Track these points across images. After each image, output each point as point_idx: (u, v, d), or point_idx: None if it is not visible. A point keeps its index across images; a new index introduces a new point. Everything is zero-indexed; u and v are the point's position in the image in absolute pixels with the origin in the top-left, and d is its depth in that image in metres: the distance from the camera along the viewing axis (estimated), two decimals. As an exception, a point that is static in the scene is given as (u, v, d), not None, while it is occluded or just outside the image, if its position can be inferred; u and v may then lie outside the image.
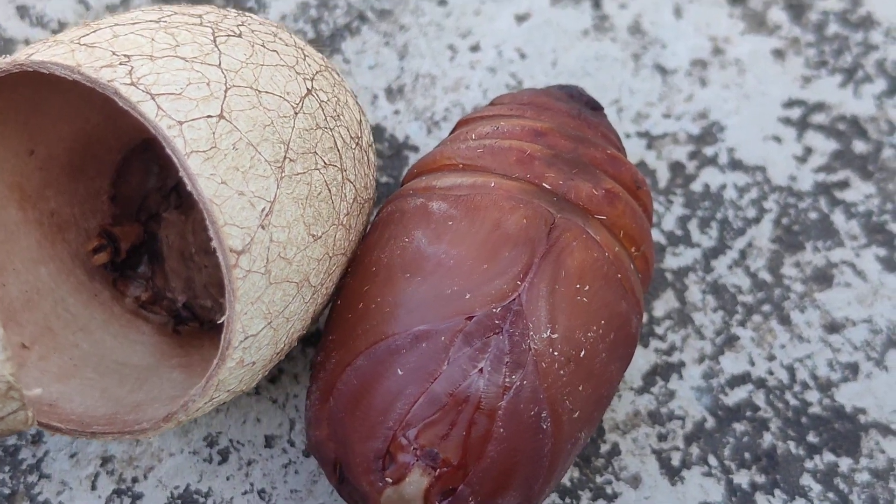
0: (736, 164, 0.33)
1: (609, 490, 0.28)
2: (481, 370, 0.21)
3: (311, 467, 0.28)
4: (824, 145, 0.33)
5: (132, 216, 0.30)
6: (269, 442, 0.29)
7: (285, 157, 0.21)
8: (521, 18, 0.34)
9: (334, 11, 0.34)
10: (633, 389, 0.30)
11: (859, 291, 0.31)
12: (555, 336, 0.22)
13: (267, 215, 0.21)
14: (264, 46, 0.23)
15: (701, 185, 0.32)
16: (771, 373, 0.30)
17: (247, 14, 0.25)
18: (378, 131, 0.33)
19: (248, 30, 0.23)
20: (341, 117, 0.24)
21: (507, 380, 0.21)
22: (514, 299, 0.22)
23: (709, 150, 0.33)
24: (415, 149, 0.33)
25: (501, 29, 0.34)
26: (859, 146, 0.33)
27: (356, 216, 0.24)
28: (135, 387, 0.26)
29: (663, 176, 0.32)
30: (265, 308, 0.21)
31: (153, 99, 0.20)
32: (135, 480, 0.28)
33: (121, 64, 0.20)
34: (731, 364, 0.30)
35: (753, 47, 0.34)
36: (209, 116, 0.20)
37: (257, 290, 0.21)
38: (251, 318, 0.21)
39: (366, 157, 0.25)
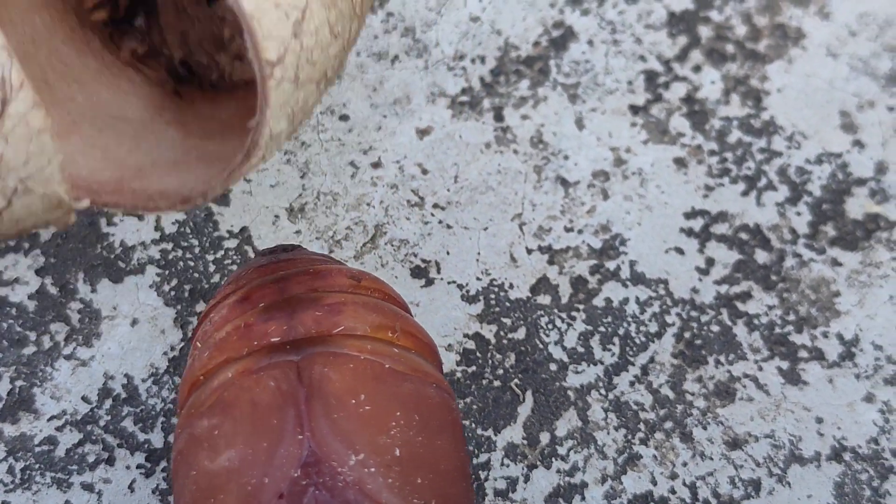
0: (638, 278, 0.36)
1: None
2: None
3: None
4: (726, 256, 0.36)
5: None
6: None
7: None
8: (422, 132, 0.38)
9: (236, 130, 0.38)
10: (531, 515, 0.32)
11: (761, 406, 0.34)
12: (361, 456, 0.24)
13: (299, 24, 0.23)
14: None
15: (603, 300, 0.35)
16: (673, 492, 0.33)
17: None
18: (278, 252, 0.36)
19: None
20: None
21: None
22: (307, 453, 0.24)
23: (611, 264, 0.36)
24: (315, 269, 0.36)
25: (403, 143, 0.38)
26: (762, 256, 0.36)
27: (367, 2, 0.27)
28: (133, 146, 0.29)
29: (565, 291, 0.35)
30: (290, 109, 0.25)
31: None
32: None
33: None
34: (634, 484, 0.33)
35: (656, 157, 0.37)
36: None
37: (285, 95, 0.24)
38: (277, 119, 0.24)
39: None
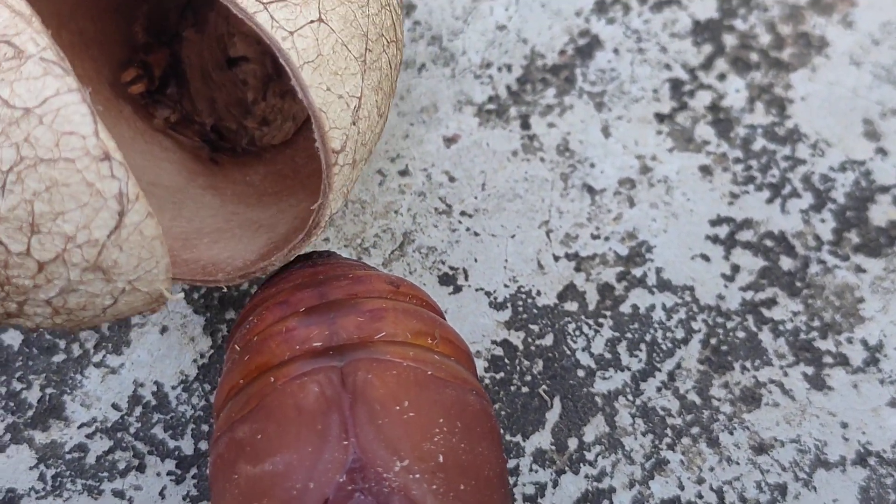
0: (664, 285, 0.36)
1: None
2: None
3: None
4: (752, 263, 0.37)
5: (155, 39, 0.34)
6: None
7: (366, 49, 0.26)
8: (450, 140, 0.38)
9: (264, 138, 0.38)
10: (562, 519, 0.33)
11: (787, 411, 0.35)
12: (406, 462, 0.25)
13: (357, 111, 0.26)
14: None
15: (629, 307, 0.36)
16: (700, 496, 0.33)
17: None
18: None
19: None
20: None
21: None
22: (352, 458, 0.25)
23: (637, 271, 0.36)
24: (344, 276, 0.36)
25: (430, 151, 0.38)
26: (786, 263, 0.37)
27: (398, 74, 0.30)
28: (175, 213, 0.30)
29: (592, 298, 0.36)
30: (346, 189, 0.27)
31: (266, 9, 0.24)
32: None
33: None
34: (661, 489, 0.33)
35: (681, 164, 0.38)
36: (312, 22, 0.24)
37: (344, 178, 0.26)
38: (336, 200, 0.26)
39: (403, 12, 0.30)
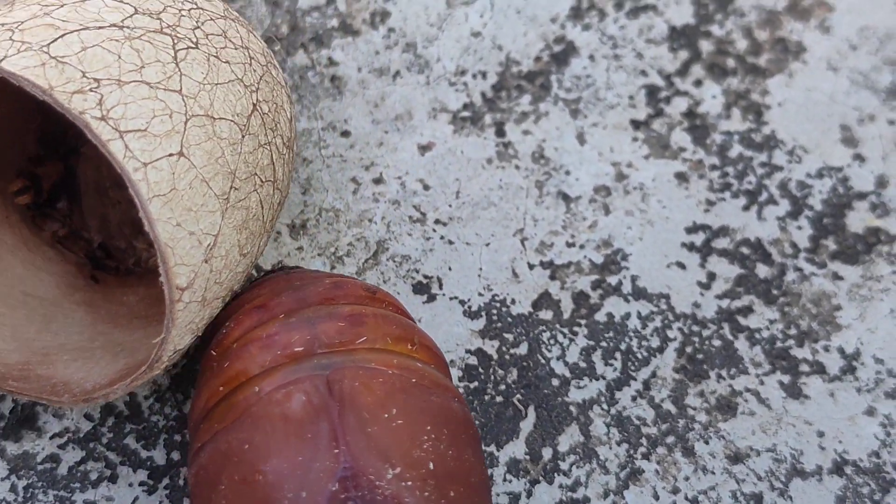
0: (639, 293, 0.37)
1: None
2: None
3: None
4: (728, 270, 0.37)
5: (51, 151, 0.34)
6: None
7: (231, 188, 0.26)
8: (424, 148, 0.39)
9: (237, 146, 0.39)
10: (534, 530, 0.33)
11: (763, 420, 0.35)
12: (398, 470, 0.25)
13: (211, 249, 0.25)
14: (218, 58, 0.27)
15: (604, 316, 0.36)
16: (675, 507, 0.34)
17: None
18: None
19: (203, 34, 0.28)
20: (278, 125, 0.29)
21: None
22: (343, 466, 0.25)
23: (612, 279, 0.37)
24: (317, 285, 0.37)
25: (404, 159, 0.38)
26: (763, 270, 0.37)
27: (277, 215, 0.29)
28: (41, 326, 0.30)
29: (567, 307, 0.36)
30: (195, 326, 0.26)
31: (121, 137, 0.24)
32: None
33: (91, 90, 0.24)
34: (636, 498, 0.34)
35: (657, 171, 0.38)
36: (170, 155, 0.24)
37: (191, 315, 0.26)
38: (182, 336, 0.26)
39: (291, 154, 0.30)
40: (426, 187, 0.38)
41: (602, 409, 0.35)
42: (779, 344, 0.36)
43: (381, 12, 0.41)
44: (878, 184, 0.38)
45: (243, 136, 0.26)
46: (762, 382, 0.35)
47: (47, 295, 0.32)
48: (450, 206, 0.38)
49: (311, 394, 0.26)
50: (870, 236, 0.37)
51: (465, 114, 0.39)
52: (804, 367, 0.36)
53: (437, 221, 0.38)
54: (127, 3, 0.27)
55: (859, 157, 0.38)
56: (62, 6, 0.26)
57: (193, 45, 0.27)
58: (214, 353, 0.29)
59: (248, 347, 0.27)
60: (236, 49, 0.28)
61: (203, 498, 0.27)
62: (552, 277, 0.37)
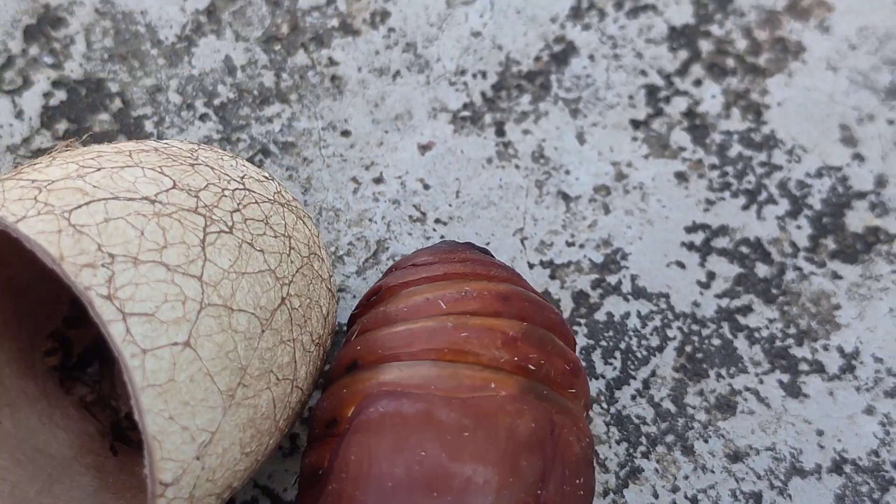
0: (639, 292, 0.37)
1: None
2: None
3: None
4: (727, 270, 0.37)
5: (84, 313, 0.33)
6: None
7: (239, 384, 0.24)
8: (424, 148, 0.39)
9: (237, 145, 0.39)
10: (534, 529, 0.33)
11: (762, 419, 0.35)
12: None
13: (205, 446, 0.23)
14: (252, 245, 0.26)
15: (604, 315, 0.36)
16: (675, 505, 0.34)
17: (246, 170, 0.28)
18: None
19: (241, 217, 0.26)
20: (308, 321, 0.27)
21: None
22: None
23: (612, 279, 0.37)
24: (318, 285, 0.37)
25: (405, 159, 0.39)
26: (762, 269, 0.37)
27: (297, 415, 0.27)
28: (43, 486, 0.29)
29: (567, 306, 0.37)
30: None
31: (124, 320, 0.22)
32: None
33: (102, 265, 0.22)
34: (635, 497, 0.34)
35: (657, 171, 0.39)
36: (175, 344, 0.22)
37: None
38: None
39: (322, 352, 0.28)
40: (426, 187, 0.39)
41: (602, 407, 0.35)
42: (778, 343, 0.36)
43: (382, 12, 0.41)
44: (878, 183, 0.38)
45: (263, 331, 0.24)
46: (761, 381, 0.36)
47: (58, 454, 0.30)
48: (450, 205, 0.38)
49: (539, 423, 0.25)
50: (869, 235, 0.37)
51: (465, 113, 0.39)
52: (803, 366, 0.36)
53: (437, 221, 0.38)
54: (167, 176, 0.25)
55: (859, 157, 0.39)
56: (99, 170, 0.25)
57: (227, 230, 0.25)
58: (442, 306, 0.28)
59: (491, 328, 0.27)
60: (276, 237, 0.27)
61: (386, 445, 0.25)
62: (552, 277, 0.37)
